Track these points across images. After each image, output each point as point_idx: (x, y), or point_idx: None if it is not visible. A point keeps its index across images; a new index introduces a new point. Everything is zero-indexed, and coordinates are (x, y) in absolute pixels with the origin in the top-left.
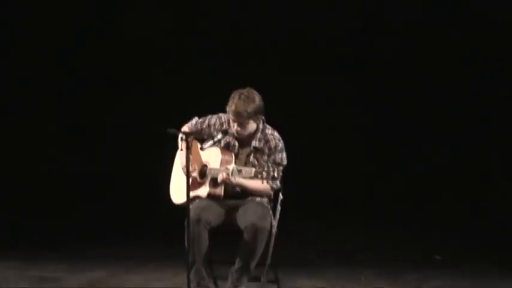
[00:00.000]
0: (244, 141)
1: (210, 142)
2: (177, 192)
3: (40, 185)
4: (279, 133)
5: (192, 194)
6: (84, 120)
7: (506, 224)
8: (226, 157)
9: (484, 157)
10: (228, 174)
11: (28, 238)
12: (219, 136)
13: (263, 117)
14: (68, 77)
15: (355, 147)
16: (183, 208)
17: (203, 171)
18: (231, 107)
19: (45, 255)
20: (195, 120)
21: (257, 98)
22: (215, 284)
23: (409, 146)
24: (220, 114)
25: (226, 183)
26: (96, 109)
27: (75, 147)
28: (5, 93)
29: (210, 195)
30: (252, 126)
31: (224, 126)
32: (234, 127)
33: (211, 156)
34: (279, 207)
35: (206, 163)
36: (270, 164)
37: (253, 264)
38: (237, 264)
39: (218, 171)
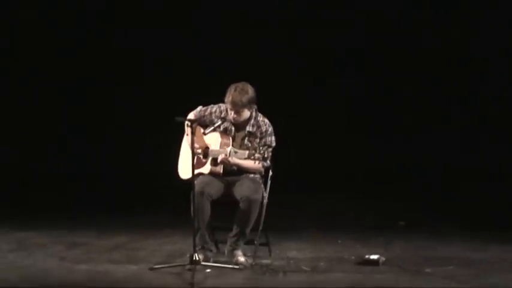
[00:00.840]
0: (239, 126)
1: (211, 128)
2: (184, 170)
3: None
4: (273, 126)
5: (196, 171)
6: (84, 120)
7: (467, 191)
8: (225, 140)
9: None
10: (226, 155)
11: (61, 211)
12: (219, 122)
13: (255, 106)
14: (68, 77)
15: (352, 145)
16: (189, 183)
17: (206, 152)
18: (228, 98)
19: (76, 225)
20: (199, 108)
21: (250, 90)
22: (216, 246)
23: (408, 145)
24: (220, 104)
25: (224, 162)
26: (96, 109)
27: (75, 146)
28: (5, 93)
29: (211, 172)
30: (246, 113)
31: (223, 114)
32: (231, 115)
33: (212, 139)
34: (269, 182)
35: (208, 145)
36: (261, 147)
37: (247, 230)
38: (234, 230)
39: (218, 152)
